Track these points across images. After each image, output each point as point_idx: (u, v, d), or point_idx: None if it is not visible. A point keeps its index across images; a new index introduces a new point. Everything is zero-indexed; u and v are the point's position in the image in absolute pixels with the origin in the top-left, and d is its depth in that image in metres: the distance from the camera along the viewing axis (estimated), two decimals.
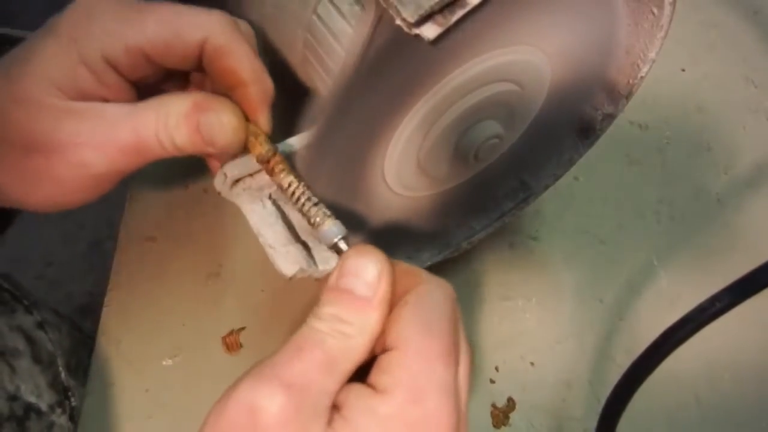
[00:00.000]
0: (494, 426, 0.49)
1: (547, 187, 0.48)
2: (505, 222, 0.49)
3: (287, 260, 0.32)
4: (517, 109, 0.39)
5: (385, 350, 0.26)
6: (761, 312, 0.53)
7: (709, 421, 0.50)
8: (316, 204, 0.30)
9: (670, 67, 0.68)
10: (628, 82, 0.41)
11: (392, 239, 0.43)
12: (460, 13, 0.26)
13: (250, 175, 0.33)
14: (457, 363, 0.26)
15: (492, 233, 0.49)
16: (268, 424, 0.23)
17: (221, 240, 0.55)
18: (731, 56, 0.69)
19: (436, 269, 0.44)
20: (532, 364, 0.52)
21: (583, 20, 0.36)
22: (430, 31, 0.26)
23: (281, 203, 0.34)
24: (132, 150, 0.31)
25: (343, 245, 0.30)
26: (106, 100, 0.32)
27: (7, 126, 0.31)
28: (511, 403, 0.50)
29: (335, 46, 0.34)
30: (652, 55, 0.39)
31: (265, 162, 0.32)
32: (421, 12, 0.25)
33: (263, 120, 0.33)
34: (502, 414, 0.49)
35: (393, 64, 0.30)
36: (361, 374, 0.26)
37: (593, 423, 0.36)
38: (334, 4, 0.34)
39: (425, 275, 0.28)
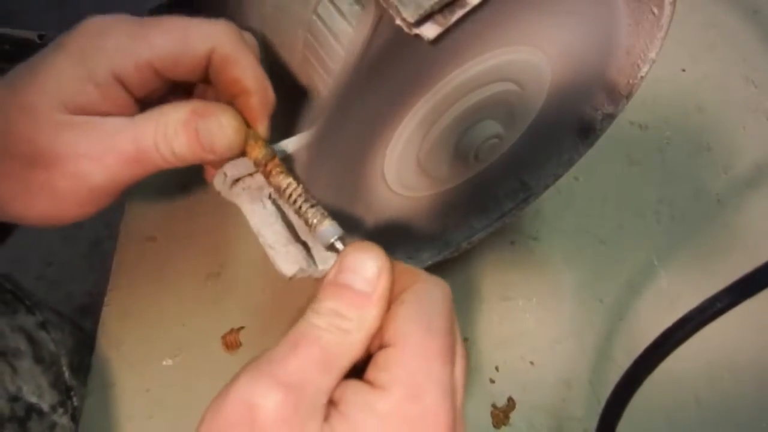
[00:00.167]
0: (494, 426, 0.49)
1: (547, 187, 0.48)
2: (505, 222, 0.49)
3: (287, 260, 0.32)
4: (517, 109, 0.39)
5: (381, 347, 0.26)
6: (761, 312, 0.53)
7: (708, 421, 0.50)
8: (313, 205, 0.30)
9: (670, 67, 0.68)
10: (628, 82, 0.41)
11: (392, 239, 0.43)
12: (460, 12, 0.26)
13: (250, 174, 0.33)
14: (454, 361, 0.26)
15: (492, 233, 0.49)
16: (266, 422, 0.23)
17: (221, 240, 0.55)
18: (731, 56, 0.69)
19: (436, 269, 0.44)
20: (532, 363, 0.52)
21: (584, 20, 0.36)
22: (430, 30, 0.26)
23: (281, 203, 0.34)
24: (131, 160, 0.31)
25: (339, 245, 0.30)
26: (108, 116, 0.32)
27: (9, 138, 0.31)
28: (511, 403, 0.50)
29: (335, 46, 0.34)
30: (652, 55, 0.39)
31: (262, 165, 0.32)
32: (421, 12, 0.25)
33: (262, 128, 0.33)
34: (502, 414, 0.49)
35: (393, 63, 0.30)
36: (355, 371, 0.26)
37: (593, 423, 0.36)
38: (334, 4, 0.34)
39: (422, 274, 0.28)
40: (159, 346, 0.50)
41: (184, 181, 0.57)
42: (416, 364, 0.25)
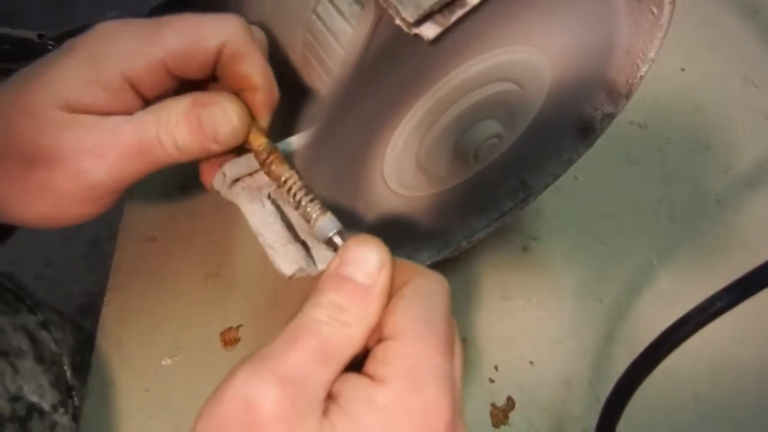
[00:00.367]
0: (494, 425, 0.49)
1: (546, 187, 0.48)
2: (505, 222, 0.49)
3: (286, 260, 0.32)
4: (516, 108, 0.39)
5: (379, 341, 0.26)
6: (761, 312, 0.53)
7: (708, 421, 0.50)
8: (312, 199, 0.30)
9: (670, 66, 0.68)
10: (628, 81, 0.41)
11: (391, 238, 0.43)
12: (459, 12, 0.26)
13: (249, 174, 0.33)
14: (453, 354, 0.26)
15: (492, 233, 0.49)
16: (265, 418, 0.23)
17: (221, 240, 0.55)
18: (731, 56, 0.69)
19: (435, 269, 0.44)
20: (531, 363, 0.52)
21: (583, 20, 0.36)
22: (429, 30, 0.26)
23: (280, 203, 0.34)
24: (133, 154, 0.31)
25: (338, 240, 0.30)
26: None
27: (12, 137, 0.31)
28: (510, 403, 0.50)
29: (335, 45, 0.34)
30: (651, 54, 0.39)
31: (264, 155, 0.32)
32: (421, 12, 0.25)
33: (264, 123, 0.34)
34: (501, 413, 0.49)
35: (392, 63, 0.30)
36: (351, 366, 0.26)
37: (593, 422, 0.36)
38: (333, 4, 0.34)
39: (421, 269, 0.28)
40: (158, 346, 0.50)
41: (184, 181, 0.57)
42: (417, 357, 0.25)
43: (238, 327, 0.51)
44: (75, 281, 1.22)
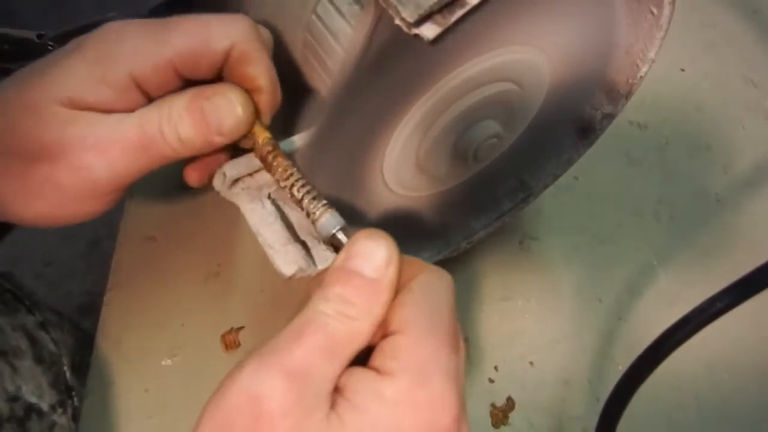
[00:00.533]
0: (493, 425, 0.49)
1: (546, 187, 0.48)
2: (505, 222, 0.49)
3: (286, 260, 0.32)
4: (516, 108, 0.39)
5: (385, 336, 0.26)
6: (761, 312, 0.53)
7: (708, 421, 0.50)
8: (315, 196, 0.30)
9: (670, 66, 0.68)
10: (628, 81, 0.41)
11: None
12: (459, 12, 0.26)
13: (249, 174, 0.33)
14: (459, 348, 0.27)
15: (491, 233, 0.49)
16: (271, 411, 0.23)
17: (221, 240, 0.55)
18: (730, 56, 0.69)
19: None
20: (531, 363, 0.52)
21: (583, 20, 0.36)
22: (429, 30, 0.26)
23: (280, 203, 0.34)
24: (136, 149, 0.31)
25: (341, 236, 0.30)
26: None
27: (14, 134, 0.31)
28: (510, 403, 0.50)
29: (335, 45, 0.34)
30: (651, 54, 0.39)
31: (266, 150, 0.31)
32: (421, 12, 0.25)
33: (265, 122, 0.33)
34: (501, 413, 0.49)
35: (392, 63, 0.30)
36: (356, 361, 0.26)
37: (592, 422, 0.36)
38: (333, 4, 0.34)
39: (426, 265, 0.28)
40: (158, 346, 0.50)
41: (184, 181, 0.57)
42: (424, 351, 0.25)
43: (238, 329, 0.51)
44: (75, 281, 1.22)
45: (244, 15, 0.32)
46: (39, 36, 0.41)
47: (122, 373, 0.49)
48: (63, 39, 0.40)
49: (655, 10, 0.36)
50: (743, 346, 0.53)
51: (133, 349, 0.50)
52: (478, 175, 0.43)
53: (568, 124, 0.46)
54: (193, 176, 0.35)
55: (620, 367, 0.51)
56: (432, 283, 0.27)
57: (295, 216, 0.34)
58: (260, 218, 0.33)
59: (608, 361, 0.52)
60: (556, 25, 0.35)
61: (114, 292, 0.52)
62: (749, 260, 0.30)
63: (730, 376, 0.52)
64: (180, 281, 0.53)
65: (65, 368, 0.50)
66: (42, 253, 1.25)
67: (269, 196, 0.34)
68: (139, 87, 0.31)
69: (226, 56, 0.31)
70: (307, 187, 0.31)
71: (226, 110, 0.31)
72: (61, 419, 0.47)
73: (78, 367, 0.51)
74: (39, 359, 0.47)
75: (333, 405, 0.24)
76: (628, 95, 0.42)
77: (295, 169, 0.31)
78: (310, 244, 0.33)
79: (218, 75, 0.33)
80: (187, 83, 0.33)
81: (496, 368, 0.51)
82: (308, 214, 0.30)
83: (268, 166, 0.32)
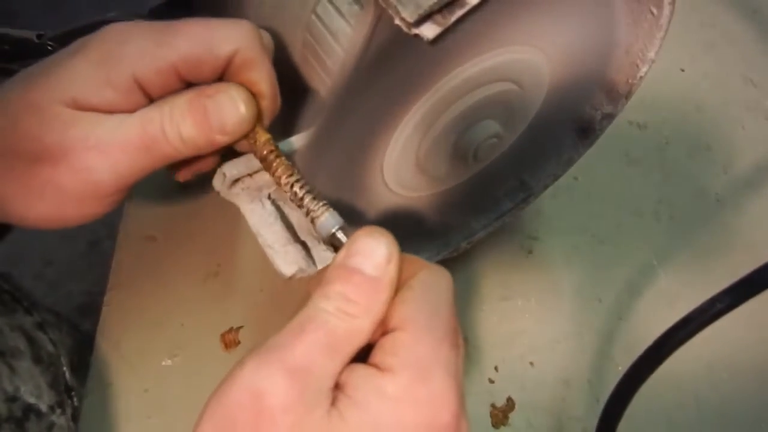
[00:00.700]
0: (493, 426, 0.49)
1: (546, 187, 0.48)
2: (505, 222, 0.49)
3: (286, 260, 0.32)
4: (516, 108, 0.39)
5: (385, 333, 0.26)
6: (761, 313, 0.53)
7: (708, 422, 0.50)
8: (314, 197, 0.30)
9: (670, 66, 0.68)
10: (628, 81, 0.41)
11: None
12: (459, 12, 0.26)
13: (249, 175, 0.33)
14: (459, 345, 0.27)
15: (491, 233, 0.49)
16: (272, 408, 0.23)
17: (220, 240, 0.55)
18: (730, 56, 0.69)
19: None
20: (531, 363, 0.52)
21: (583, 20, 0.36)
22: (429, 30, 0.26)
23: (280, 203, 0.34)
24: (138, 149, 0.31)
25: (341, 236, 0.30)
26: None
27: (16, 135, 0.31)
28: (510, 403, 0.50)
29: (334, 45, 0.34)
30: (651, 54, 0.39)
31: (265, 150, 0.31)
32: (421, 12, 0.25)
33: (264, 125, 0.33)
34: (501, 414, 0.49)
35: (392, 63, 0.30)
36: (356, 359, 0.26)
37: (592, 422, 0.36)
38: (333, 4, 0.34)
39: (426, 263, 0.28)
40: (158, 346, 0.50)
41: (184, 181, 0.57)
42: (424, 348, 0.25)
43: (238, 329, 0.51)
44: (74, 281, 1.22)
45: (247, 20, 0.32)
46: (39, 36, 0.41)
47: (122, 373, 0.49)
48: (63, 39, 0.40)
49: (655, 10, 0.36)
50: (743, 346, 0.53)
51: (133, 349, 0.50)
52: (478, 175, 0.43)
53: (568, 124, 0.46)
54: (180, 173, 0.35)
55: (620, 368, 0.51)
56: (432, 281, 0.27)
57: (295, 216, 0.34)
58: (260, 218, 0.33)
59: (608, 361, 0.52)
60: (556, 25, 0.35)
61: (114, 292, 0.52)
62: (749, 260, 0.30)
63: (730, 376, 0.52)
64: (180, 281, 0.53)
65: (64, 369, 0.50)
66: (42, 253, 1.25)
67: (269, 197, 0.34)
68: (142, 89, 0.31)
69: (229, 61, 0.31)
70: (307, 187, 0.31)
71: (229, 108, 0.31)
72: (60, 420, 0.47)
73: (77, 367, 0.51)
74: (37, 360, 0.47)
75: (334, 401, 0.24)
76: (627, 95, 0.42)
77: (294, 169, 0.31)
78: (310, 244, 0.33)
79: (220, 79, 0.33)
80: (189, 86, 0.33)
81: (496, 368, 0.51)
82: (307, 214, 0.30)
83: (267, 167, 0.32)
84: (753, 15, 0.72)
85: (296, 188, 0.31)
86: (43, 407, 0.46)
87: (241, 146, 0.33)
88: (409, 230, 0.44)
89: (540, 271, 0.56)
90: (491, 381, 0.51)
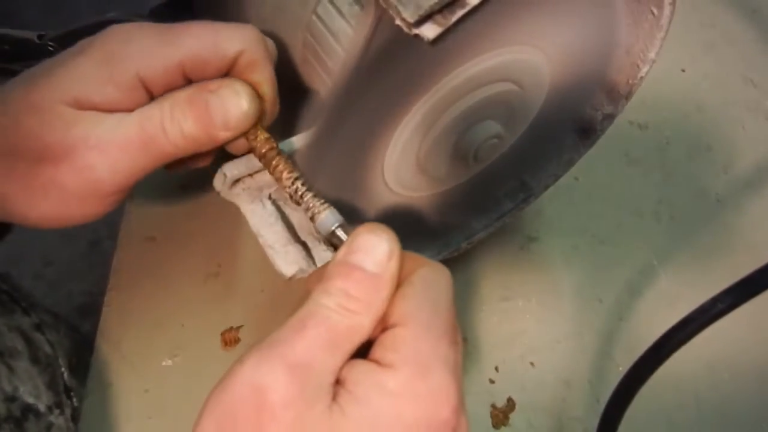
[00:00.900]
0: (494, 426, 0.49)
1: (547, 188, 0.48)
2: (505, 222, 0.49)
3: (287, 260, 0.32)
4: (517, 109, 0.39)
5: (386, 328, 0.26)
6: (761, 313, 0.53)
7: (708, 422, 0.50)
8: (314, 195, 0.30)
9: (670, 67, 0.68)
10: (628, 82, 0.41)
11: None
12: (459, 13, 0.26)
13: (250, 175, 0.33)
14: (457, 343, 0.27)
15: (492, 233, 0.49)
16: (273, 403, 0.23)
17: (221, 240, 0.55)
18: (730, 56, 0.69)
19: None
20: (531, 364, 0.52)
21: (583, 20, 0.36)
22: (429, 31, 0.26)
23: (281, 203, 0.34)
24: (138, 147, 0.31)
25: (341, 233, 0.30)
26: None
27: (19, 134, 0.31)
28: (510, 403, 0.50)
29: (335, 46, 0.34)
30: (651, 55, 0.39)
31: (265, 148, 0.31)
32: (421, 12, 0.25)
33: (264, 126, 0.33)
34: (501, 414, 0.49)
35: (393, 64, 0.30)
36: (356, 355, 0.26)
37: (593, 423, 0.36)
38: (333, 5, 0.34)
39: (426, 260, 0.28)
40: (158, 347, 0.50)
41: (184, 181, 0.57)
42: (424, 344, 0.25)
43: (238, 327, 0.51)
44: (75, 281, 1.22)
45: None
46: (39, 36, 0.41)
47: (122, 374, 0.49)
48: (63, 39, 0.40)
49: (655, 11, 0.36)
50: (743, 346, 0.53)
51: (134, 349, 0.50)
52: (478, 176, 0.43)
53: (568, 125, 0.46)
54: (171, 167, 0.35)
55: (621, 368, 0.51)
56: (432, 278, 0.27)
57: (295, 216, 0.34)
58: (261, 219, 0.33)
59: (609, 361, 0.52)
60: (557, 25, 0.35)
61: (114, 293, 0.52)
62: (749, 260, 0.31)
63: (730, 376, 0.52)
64: (180, 281, 0.53)
65: (62, 369, 0.50)
66: (42, 253, 1.25)
67: (270, 197, 0.34)
68: (145, 87, 0.31)
69: (234, 61, 0.32)
70: (306, 186, 0.31)
71: (233, 102, 0.31)
72: (59, 420, 0.47)
73: (76, 368, 0.51)
74: (35, 360, 0.47)
75: (335, 397, 0.24)
76: (628, 95, 0.42)
77: (294, 169, 0.31)
78: (310, 244, 0.33)
79: None
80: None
81: (496, 369, 0.51)
82: (307, 211, 0.30)
83: (267, 164, 0.32)
84: (753, 15, 0.72)
85: (297, 185, 0.31)
86: (42, 407, 0.46)
87: (239, 148, 0.33)
88: (409, 230, 0.44)
89: (540, 272, 0.56)
90: (492, 381, 0.51)
